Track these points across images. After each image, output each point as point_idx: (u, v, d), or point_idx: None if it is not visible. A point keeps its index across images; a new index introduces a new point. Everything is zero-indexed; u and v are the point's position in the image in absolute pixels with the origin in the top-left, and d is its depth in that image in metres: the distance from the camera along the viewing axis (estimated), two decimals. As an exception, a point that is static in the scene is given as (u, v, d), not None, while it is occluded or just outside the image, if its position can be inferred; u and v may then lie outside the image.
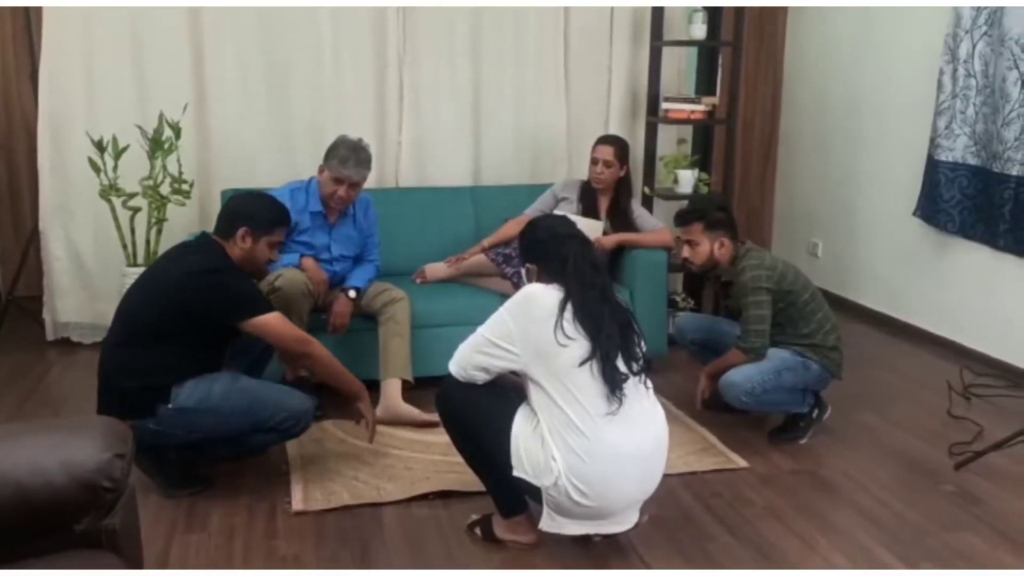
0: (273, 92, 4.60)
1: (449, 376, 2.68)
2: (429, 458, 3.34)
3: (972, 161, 4.46)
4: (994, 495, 3.15)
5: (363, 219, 3.98)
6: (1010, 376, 4.26)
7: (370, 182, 4.60)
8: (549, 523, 2.59)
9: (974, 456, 3.32)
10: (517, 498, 2.71)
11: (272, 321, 2.96)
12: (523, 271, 2.75)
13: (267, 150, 4.61)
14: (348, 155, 3.73)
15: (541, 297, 2.55)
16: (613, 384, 2.49)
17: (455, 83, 4.81)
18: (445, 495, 3.06)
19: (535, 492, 2.57)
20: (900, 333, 5.00)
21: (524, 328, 2.52)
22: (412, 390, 3.75)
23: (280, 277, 3.58)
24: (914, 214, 4.80)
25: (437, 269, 4.25)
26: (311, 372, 3.03)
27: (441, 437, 3.42)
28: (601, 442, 2.48)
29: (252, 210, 3.08)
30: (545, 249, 2.67)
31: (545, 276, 2.64)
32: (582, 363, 2.48)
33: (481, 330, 2.61)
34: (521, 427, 2.56)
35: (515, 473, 2.56)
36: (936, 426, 3.76)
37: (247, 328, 2.93)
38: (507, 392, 2.66)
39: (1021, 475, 3.30)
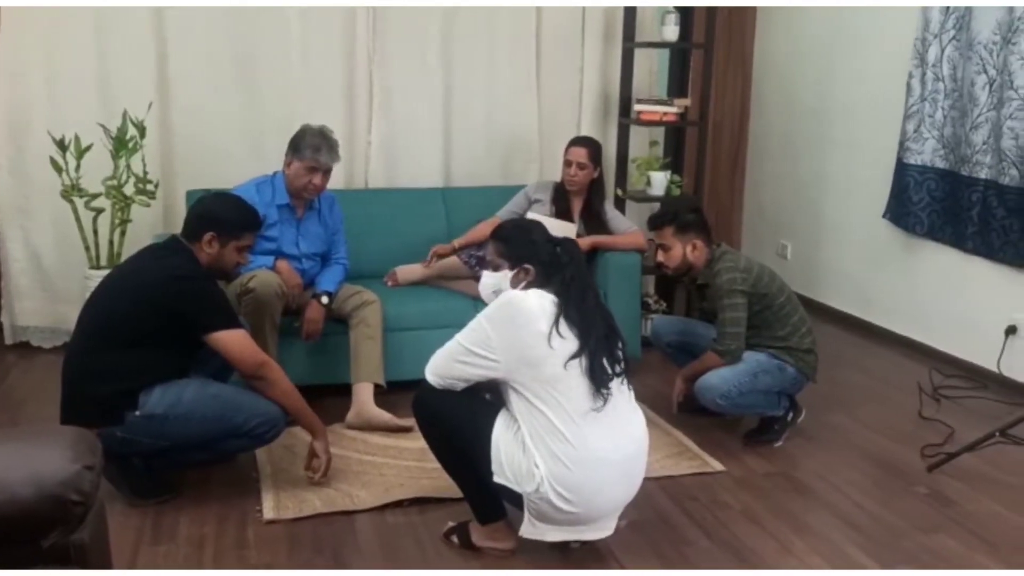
0: (240, 91, 4.51)
1: (425, 380, 2.63)
2: (403, 464, 3.29)
3: (940, 164, 4.50)
4: (967, 496, 3.17)
5: (328, 215, 3.93)
6: (977, 377, 4.30)
7: (339, 182, 4.56)
8: (530, 530, 2.55)
9: (947, 458, 3.33)
10: (495, 504, 2.67)
11: (234, 339, 2.87)
12: (506, 274, 2.66)
13: (233, 149, 4.52)
14: (320, 143, 3.70)
15: (524, 303, 2.50)
16: (599, 382, 2.48)
17: (426, 83, 4.76)
18: (420, 502, 3.01)
19: (516, 498, 2.53)
20: (869, 334, 5.04)
21: (506, 336, 2.47)
22: (384, 394, 3.69)
23: (253, 278, 3.52)
24: (883, 216, 4.84)
25: (408, 271, 4.20)
26: (263, 395, 2.94)
27: (415, 442, 3.39)
28: (585, 448, 2.46)
29: (219, 214, 3.00)
30: (541, 250, 2.63)
31: (541, 278, 2.60)
32: (569, 360, 2.45)
33: (459, 338, 2.55)
34: (501, 432, 2.52)
35: (496, 479, 2.52)
36: (907, 427, 3.78)
37: (208, 341, 2.85)
38: (485, 396, 2.62)
39: (993, 476, 3.32)
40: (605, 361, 2.51)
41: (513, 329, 2.47)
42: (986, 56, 4.15)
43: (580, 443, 2.45)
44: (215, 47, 4.45)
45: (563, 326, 2.46)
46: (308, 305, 3.74)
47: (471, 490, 2.69)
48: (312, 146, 3.69)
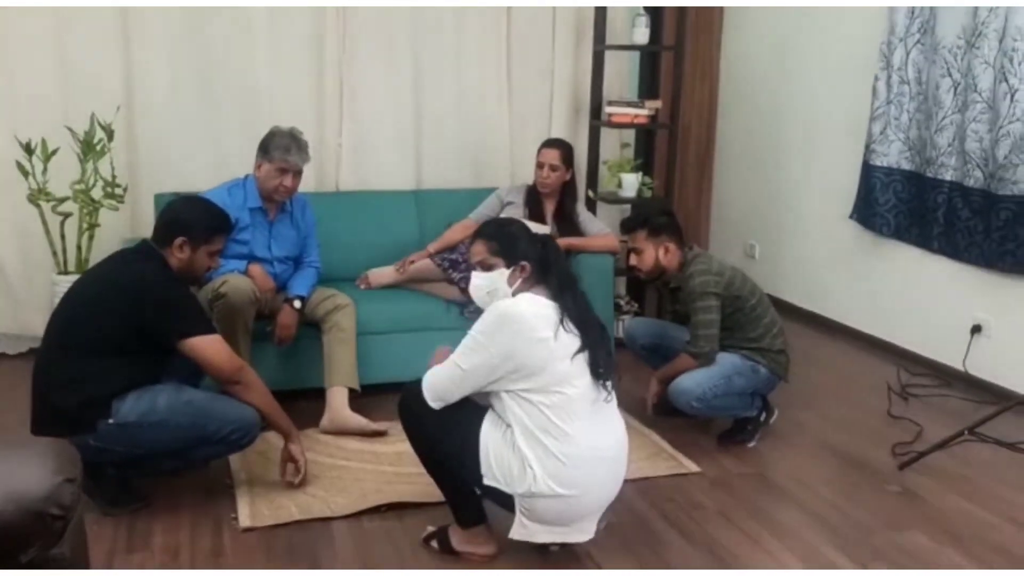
0: (206, 93, 4.47)
1: (409, 385, 2.62)
2: (379, 469, 3.27)
3: (906, 166, 4.57)
4: (937, 494, 3.22)
5: (301, 218, 3.91)
6: (943, 376, 4.37)
7: (310, 185, 4.53)
8: (521, 531, 2.55)
9: (917, 456, 3.39)
10: (477, 508, 2.67)
11: (208, 345, 2.85)
12: (502, 272, 2.61)
13: (200, 152, 4.47)
14: (290, 143, 3.68)
15: (519, 311, 2.47)
16: (602, 375, 2.54)
17: (396, 85, 4.74)
18: (398, 507, 3.00)
19: (505, 499, 2.53)
20: (836, 333, 5.10)
21: (508, 348, 2.44)
22: (358, 398, 3.68)
23: (225, 283, 3.49)
24: (850, 217, 4.90)
25: (381, 274, 4.18)
26: (239, 399, 2.92)
27: (391, 446, 3.40)
28: (579, 444, 2.48)
29: (189, 219, 2.97)
30: (532, 247, 2.63)
31: (536, 275, 2.59)
32: (576, 354, 2.48)
33: (458, 362, 2.50)
34: (489, 434, 2.52)
35: (485, 481, 2.51)
36: (877, 426, 3.84)
37: (182, 348, 2.83)
38: (469, 398, 2.60)
39: (962, 474, 3.38)
40: (603, 354, 2.57)
41: (514, 340, 2.44)
42: (950, 60, 4.22)
43: (578, 439, 2.48)
44: (180, 49, 4.40)
45: (567, 323, 2.49)
46: (281, 310, 3.71)
47: (453, 494, 2.68)
48: (282, 147, 3.66)
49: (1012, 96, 3.90)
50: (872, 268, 4.89)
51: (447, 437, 2.57)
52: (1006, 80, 3.93)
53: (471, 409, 2.58)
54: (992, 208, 4.07)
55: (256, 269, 3.68)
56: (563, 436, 2.46)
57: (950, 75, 4.23)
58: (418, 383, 2.60)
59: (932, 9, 4.30)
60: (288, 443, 3.06)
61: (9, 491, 1.65)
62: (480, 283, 2.65)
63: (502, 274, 2.60)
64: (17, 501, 1.64)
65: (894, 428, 3.80)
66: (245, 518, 2.91)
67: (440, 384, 2.55)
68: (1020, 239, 3.96)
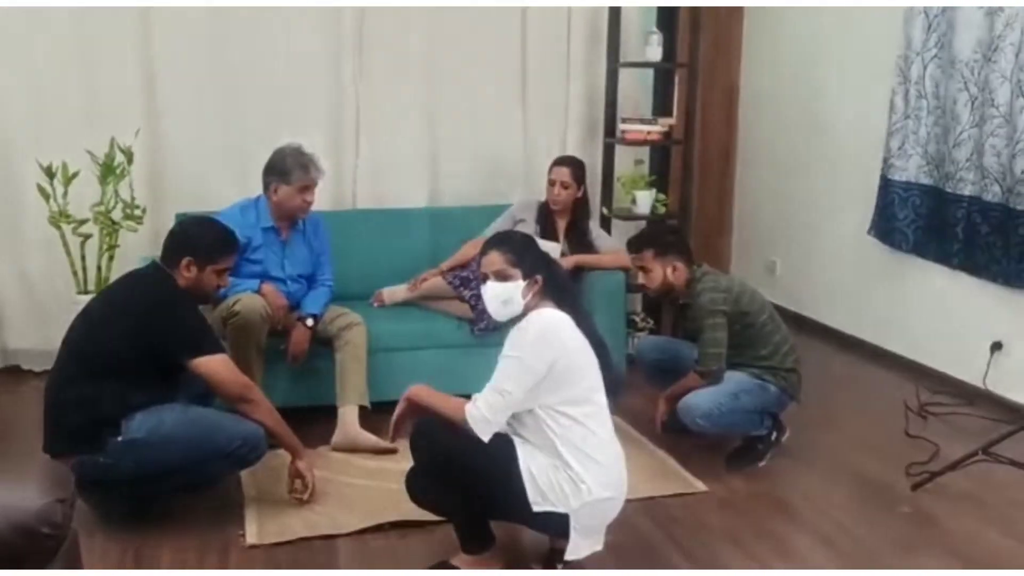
0: (227, 114, 4.55)
1: (427, 422, 2.60)
2: (386, 487, 3.28)
3: (925, 181, 4.53)
4: (950, 515, 3.17)
5: (314, 237, 3.96)
6: (964, 394, 4.31)
7: (326, 204, 4.59)
8: (575, 551, 2.57)
9: (930, 477, 3.34)
10: (487, 533, 2.67)
11: (216, 364, 2.90)
12: (518, 284, 2.61)
13: (222, 173, 4.54)
14: (307, 161, 3.75)
15: (558, 322, 2.55)
16: (613, 386, 2.64)
17: (412, 104, 4.79)
18: (402, 525, 3.00)
19: (556, 524, 2.54)
20: (856, 351, 5.04)
21: (553, 358, 2.48)
22: (369, 415, 3.70)
23: (238, 302, 3.54)
24: (869, 232, 4.86)
25: (394, 292, 4.22)
26: (246, 417, 2.96)
27: (399, 465, 3.37)
28: (611, 447, 2.60)
29: (195, 238, 3.03)
30: (540, 263, 2.67)
31: (547, 289, 2.63)
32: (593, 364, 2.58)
33: (505, 387, 2.48)
34: (529, 462, 2.52)
35: (536, 509, 2.51)
36: (893, 446, 3.78)
37: (190, 367, 2.87)
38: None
39: (976, 494, 3.32)
40: (606, 370, 2.64)
41: (559, 350, 2.50)
42: (967, 74, 4.18)
43: (609, 443, 2.58)
44: (201, 72, 4.49)
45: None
46: (293, 328, 3.75)
47: (465, 522, 2.66)
48: (300, 166, 3.73)
49: (1029, 110, 3.86)
50: (892, 284, 4.84)
51: (483, 475, 2.51)
52: (1023, 94, 3.88)
53: (501, 443, 2.54)
54: (1011, 223, 4.02)
55: (268, 288, 3.73)
56: (601, 442, 2.54)
57: (967, 89, 4.19)
58: (430, 422, 2.58)
59: (949, 22, 4.27)
60: (295, 460, 3.09)
61: (1, 509, 1.69)
62: (497, 292, 2.61)
63: (518, 286, 2.60)
64: (8, 519, 1.69)
65: (910, 448, 3.74)
66: (252, 535, 2.94)
67: (494, 414, 2.48)
68: (1039, 256, 3.91)
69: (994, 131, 4.04)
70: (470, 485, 2.53)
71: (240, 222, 3.63)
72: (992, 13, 4.03)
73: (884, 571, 2.78)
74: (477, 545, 2.67)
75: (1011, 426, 3.44)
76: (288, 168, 3.73)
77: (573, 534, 2.54)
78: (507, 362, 2.50)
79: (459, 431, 2.50)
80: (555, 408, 2.50)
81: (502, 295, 2.61)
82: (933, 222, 4.51)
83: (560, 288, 2.67)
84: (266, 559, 2.84)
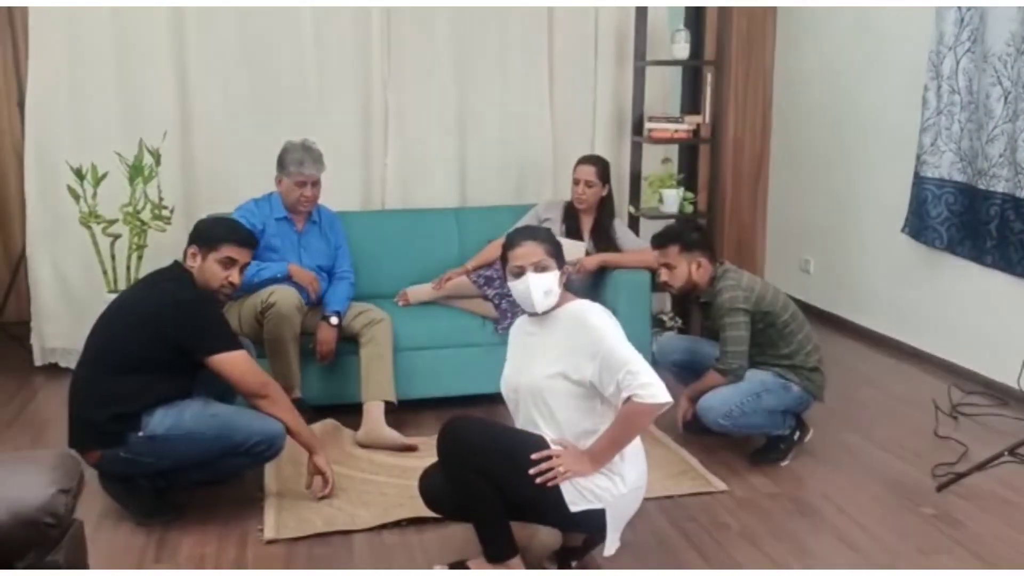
0: (258, 117, 4.62)
1: (459, 420, 2.59)
2: (406, 483, 3.30)
3: (958, 177, 4.44)
4: (974, 517, 3.11)
5: (329, 230, 4.05)
6: (998, 394, 4.22)
7: (356, 204, 4.65)
8: (611, 546, 2.59)
9: (956, 478, 3.28)
10: (511, 542, 2.59)
11: (235, 360, 2.94)
12: (556, 274, 2.63)
13: (251, 175, 4.56)
14: (303, 157, 3.85)
15: (597, 307, 2.65)
16: None
17: (440, 105, 4.82)
18: (418, 522, 3.02)
19: (591, 523, 2.55)
20: (890, 350, 4.96)
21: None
22: (395, 413, 3.73)
23: (273, 293, 3.63)
24: (902, 230, 4.78)
25: (419, 291, 4.24)
26: (265, 413, 3.00)
27: (420, 461, 3.40)
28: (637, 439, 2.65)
29: (200, 228, 3.15)
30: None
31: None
32: None
33: (633, 355, 2.48)
34: None
35: (573, 509, 2.50)
36: (921, 446, 3.71)
37: (209, 364, 2.92)
38: (522, 433, 2.62)
39: (1002, 496, 3.26)
40: None
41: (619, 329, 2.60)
42: (1000, 68, 4.09)
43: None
44: (233, 76, 4.57)
45: None
46: (318, 327, 3.80)
47: (491, 528, 2.58)
48: (295, 161, 3.84)
49: (1063, 104, 3.77)
50: (926, 282, 4.76)
51: (521, 479, 2.47)
52: (1057, 88, 3.80)
53: (534, 443, 2.54)
54: (1045, 221, 3.93)
55: (295, 267, 3.84)
56: None
57: (1000, 84, 4.10)
58: (462, 420, 2.59)
59: (981, 17, 4.18)
60: (313, 456, 3.13)
61: (5, 500, 1.74)
62: (541, 283, 2.59)
63: (555, 275, 2.62)
64: (11, 509, 1.74)
65: (939, 449, 3.67)
66: (270, 530, 2.98)
67: (652, 373, 2.47)
68: (1074, 252, 3.81)
69: (1028, 126, 3.95)
70: (505, 487, 2.49)
71: (255, 212, 3.83)
72: (1025, 5, 3.94)
73: (902, 571, 2.73)
74: (499, 551, 2.58)
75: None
76: (286, 162, 3.86)
77: (610, 531, 2.54)
78: (615, 339, 2.50)
79: (495, 430, 2.60)
80: (610, 401, 2.53)
81: (544, 285, 2.59)
82: (967, 219, 4.42)
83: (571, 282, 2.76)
84: (283, 553, 2.87)
